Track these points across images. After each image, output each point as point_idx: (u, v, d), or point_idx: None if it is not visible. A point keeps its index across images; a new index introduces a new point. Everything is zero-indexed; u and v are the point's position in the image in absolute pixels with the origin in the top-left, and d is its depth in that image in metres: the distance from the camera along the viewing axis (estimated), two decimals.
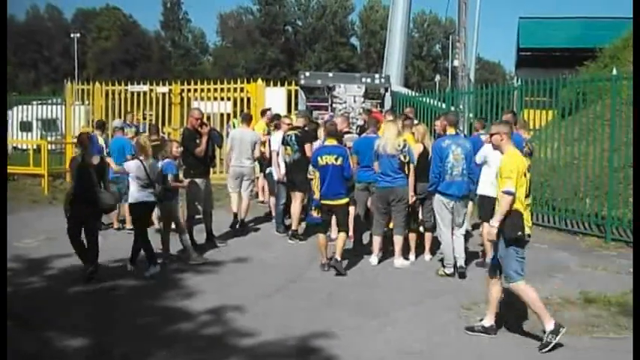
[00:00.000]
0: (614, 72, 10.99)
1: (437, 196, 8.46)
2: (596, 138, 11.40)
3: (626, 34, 15.83)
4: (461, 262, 8.47)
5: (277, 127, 11.42)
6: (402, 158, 8.67)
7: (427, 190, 8.69)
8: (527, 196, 6.00)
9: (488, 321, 6.21)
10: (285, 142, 10.45)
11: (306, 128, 10.71)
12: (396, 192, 8.74)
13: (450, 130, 8.66)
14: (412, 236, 9.28)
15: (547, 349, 5.73)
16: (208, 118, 17.52)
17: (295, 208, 10.42)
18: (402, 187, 8.75)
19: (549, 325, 5.79)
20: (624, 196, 10.80)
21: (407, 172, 8.76)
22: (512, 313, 6.54)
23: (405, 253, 9.15)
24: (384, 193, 8.77)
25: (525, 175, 5.95)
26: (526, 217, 5.92)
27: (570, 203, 11.52)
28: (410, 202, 8.85)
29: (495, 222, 5.90)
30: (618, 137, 10.74)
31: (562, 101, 12.60)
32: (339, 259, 8.43)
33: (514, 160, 5.97)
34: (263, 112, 13.57)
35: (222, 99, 17.85)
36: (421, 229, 9.33)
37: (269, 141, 11.49)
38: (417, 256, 9.26)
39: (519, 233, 5.81)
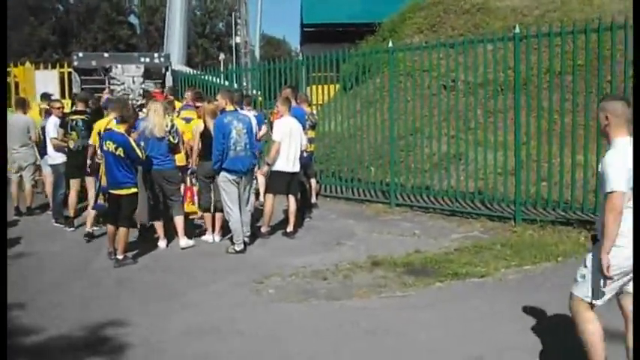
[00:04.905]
0: (390, 44, 11.38)
1: (222, 174, 8.33)
2: (377, 109, 11.81)
3: (404, 8, 16.58)
4: (245, 239, 8.53)
5: (48, 113, 10.81)
6: (171, 139, 8.59)
7: (212, 169, 8.45)
8: None
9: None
10: (70, 128, 9.78)
11: (88, 111, 10.17)
12: (165, 174, 8.62)
13: (229, 107, 8.61)
14: (207, 216, 9.12)
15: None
16: None
17: (72, 197, 10.01)
18: (172, 169, 8.73)
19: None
20: (406, 162, 11.29)
21: (179, 151, 8.86)
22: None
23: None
24: (155, 175, 8.59)
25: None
26: None
27: (356, 173, 11.87)
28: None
29: None
30: (397, 107, 11.16)
31: (344, 75, 12.88)
32: (120, 257, 7.95)
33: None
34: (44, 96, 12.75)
35: None
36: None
37: (43, 127, 10.83)
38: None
39: None
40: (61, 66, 16.61)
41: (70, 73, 15.97)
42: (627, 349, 4.16)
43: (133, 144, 7.88)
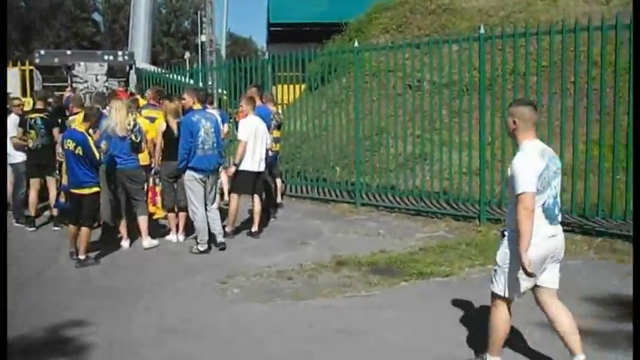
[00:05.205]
0: (356, 44, 11.37)
1: (189, 173, 8.22)
2: (343, 109, 11.79)
3: (371, 8, 16.59)
4: (220, 238, 8.49)
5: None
6: (134, 138, 8.47)
7: (178, 168, 8.35)
8: None
9: None
10: (28, 126, 9.64)
11: (48, 109, 10.09)
12: (128, 173, 8.52)
13: (197, 106, 8.60)
14: (171, 216, 9.02)
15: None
16: None
17: (32, 196, 9.89)
18: (135, 168, 8.61)
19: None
20: (371, 162, 11.29)
21: (141, 150, 8.76)
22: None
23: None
24: (118, 174, 8.49)
25: None
26: None
27: (321, 172, 11.85)
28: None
29: None
30: (362, 107, 11.15)
31: (310, 75, 12.85)
32: (82, 257, 7.82)
33: None
34: None
35: None
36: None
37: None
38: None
39: None
40: (22, 64, 16.24)
41: (31, 71, 15.62)
42: (563, 334, 4.34)
43: (92, 144, 7.72)
